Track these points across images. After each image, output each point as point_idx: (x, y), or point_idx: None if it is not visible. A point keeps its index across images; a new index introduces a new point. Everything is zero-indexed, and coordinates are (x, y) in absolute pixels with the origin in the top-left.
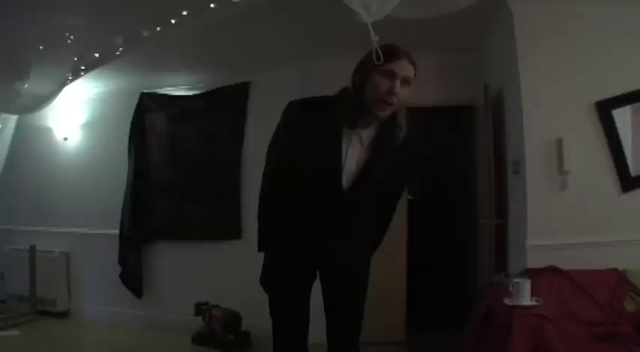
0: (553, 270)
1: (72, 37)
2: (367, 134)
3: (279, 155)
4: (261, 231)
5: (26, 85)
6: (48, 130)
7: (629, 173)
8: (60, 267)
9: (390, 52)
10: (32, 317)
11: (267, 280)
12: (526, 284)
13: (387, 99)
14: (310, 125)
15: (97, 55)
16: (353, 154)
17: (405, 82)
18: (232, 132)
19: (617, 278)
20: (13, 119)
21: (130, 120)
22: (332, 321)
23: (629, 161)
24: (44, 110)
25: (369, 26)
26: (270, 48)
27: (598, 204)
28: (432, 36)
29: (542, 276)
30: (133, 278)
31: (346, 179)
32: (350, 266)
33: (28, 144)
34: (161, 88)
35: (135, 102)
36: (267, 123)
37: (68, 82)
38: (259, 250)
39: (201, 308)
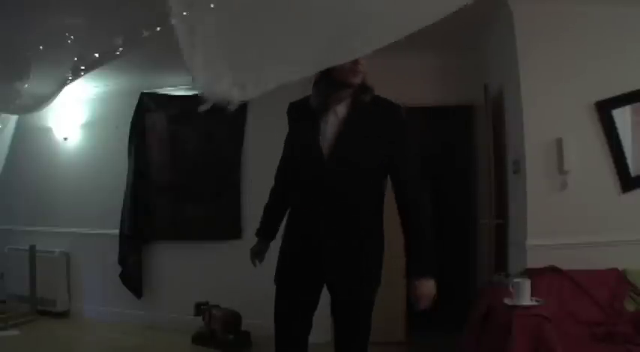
0: (553, 270)
1: (72, 37)
2: (341, 108)
3: (285, 149)
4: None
5: (26, 85)
6: (48, 130)
7: (629, 173)
8: (60, 267)
9: None
10: (32, 317)
11: (277, 273)
12: (526, 284)
13: (354, 68)
14: (296, 117)
15: (97, 55)
16: (330, 128)
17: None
18: (232, 132)
19: (617, 278)
20: (13, 119)
21: (130, 120)
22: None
23: (629, 161)
24: (44, 110)
25: None
26: None
27: (598, 204)
28: (432, 36)
29: (542, 276)
30: (133, 278)
31: (327, 149)
32: (341, 246)
33: (28, 144)
34: (161, 87)
35: (135, 102)
36: (267, 123)
37: (68, 81)
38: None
39: (201, 308)
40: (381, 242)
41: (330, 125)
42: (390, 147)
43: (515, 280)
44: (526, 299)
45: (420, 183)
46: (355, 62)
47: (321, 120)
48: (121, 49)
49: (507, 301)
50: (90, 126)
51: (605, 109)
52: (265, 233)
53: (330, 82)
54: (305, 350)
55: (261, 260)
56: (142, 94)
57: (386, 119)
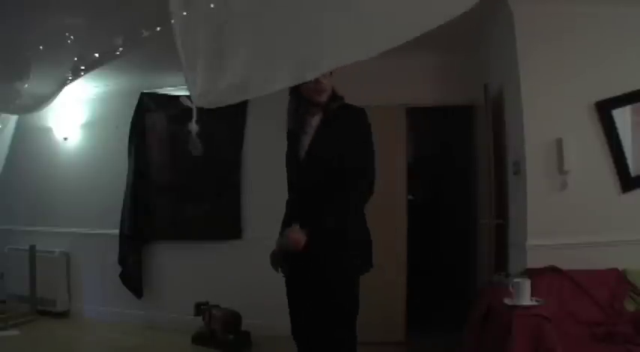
0: (553, 270)
1: (72, 37)
2: (315, 119)
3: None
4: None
5: (26, 85)
6: (48, 130)
7: (629, 173)
8: (60, 267)
9: None
10: (32, 317)
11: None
12: (526, 284)
13: (317, 88)
14: (289, 133)
15: (97, 55)
16: (307, 136)
17: (324, 75)
18: (232, 133)
19: (617, 278)
20: (13, 119)
21: (130, 120)
22: None
23: (629, 161)
24: (44, 110)
25: None
26: None
27: (598, 204)
28: (432, 36)
29: (542, 276)
30: (133, 278)
31: (304, 156)
32: (322, 244)
33: (28, 144)
34: (161, 87)
35: (135, 102)
36: (267, 124)
37: (68, 81)
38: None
39: (201, 308)
40: (359, 235)
41: (307, 135)
42: (350, 144)
43: (515, 280)
44: (526, 299)
45: (358, 179)
46: (317, 82)
47: (301, 133)
48: (121, 49)
49: (507, 301)
50: (90, 126)
51: (605, 109)
52: None
53: (299, 99)
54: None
55: (280, 264)
56: (142, 94)
57: (350, 121)
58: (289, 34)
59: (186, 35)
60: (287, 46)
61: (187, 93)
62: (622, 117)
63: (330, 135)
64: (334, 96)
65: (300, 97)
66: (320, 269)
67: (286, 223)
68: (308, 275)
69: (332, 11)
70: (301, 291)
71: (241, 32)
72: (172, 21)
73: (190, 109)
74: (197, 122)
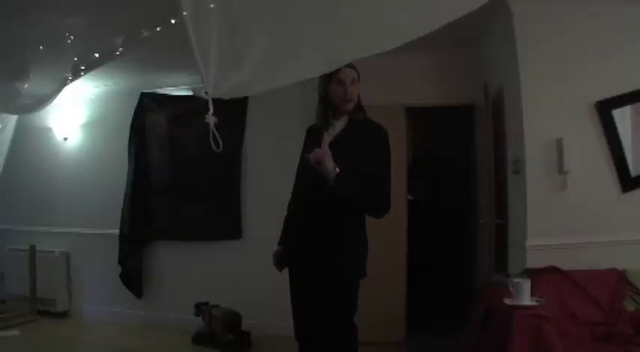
0: (553, 270)
1: (72, 37)
2: (340, 122)
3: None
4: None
5: (26, 85)
6: (48, 130)
7: (629, 173)
8: (60, 267)
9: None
10: (32, 317)
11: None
12: (526, 285)
13: (344, 97)
14: (308, 136)
15: (97, 55)
16: (328, 137)
17: (353, 82)
18: (232, 132)
19: (617, 278)
20: (13, 119)
21: (130, 120)
22: None
23: (629, 161)
24: (44, 110)
25: None
26: None
27: (598, 204)
28: (432, 36)
29: (542, 276)
30: (133, 278)
31: None
32: (325, 244)
33: (28, 144)
34: (161, 88)
35: (135, 102)
36: (267, 123)
37: (68, 81)
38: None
39: (201, 308)
40: (358, 239)
41: (329, 134)
42: (370, 155)
43: (515, 280)
44: (526, 299)
45: (375, 183)
46: (345, 92)
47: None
48: (121, 49)
49: (507, 301)
50: (90, 126)
51: (605, 109)
52: (284, 241)
53: (328, 104)
54: (319, 328)
55: (283, 263)
56: (142, 94)
57: (372, 137)
58: (300, 29)
59: (199, 25)
60: (298, 41)
61: (191, 90)
62: (622, 117)
63: (352, 140)
64: (358, 107)
65: (329, 104)
66: (317, 269)
67: (288, 223)
68: (308, 275)
69: (342, 8)
70: (302, 291)
71: (256, 24)
72: (184, 12)
73: (195, 107)
74: (214, 114)
